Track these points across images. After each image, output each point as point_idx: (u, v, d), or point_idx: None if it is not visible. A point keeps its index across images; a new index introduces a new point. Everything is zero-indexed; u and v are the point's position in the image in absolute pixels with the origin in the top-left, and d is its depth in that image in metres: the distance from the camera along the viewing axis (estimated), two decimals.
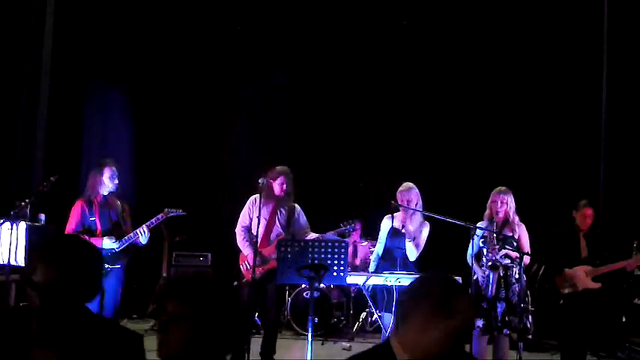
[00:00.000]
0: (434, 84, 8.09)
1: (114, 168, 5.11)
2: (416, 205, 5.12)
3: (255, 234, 5.08)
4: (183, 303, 1.63)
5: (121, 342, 1.94)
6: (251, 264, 5.03)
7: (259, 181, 5.09)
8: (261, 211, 5.07)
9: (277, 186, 5.19)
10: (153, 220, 5.10)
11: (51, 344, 1.84)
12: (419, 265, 5.17)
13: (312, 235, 5.21)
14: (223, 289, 1.72)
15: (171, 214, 5.22)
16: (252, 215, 5.22)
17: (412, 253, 5.09)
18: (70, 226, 4.98)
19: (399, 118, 8.20)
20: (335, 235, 5.15)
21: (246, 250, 5.20)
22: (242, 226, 5.28)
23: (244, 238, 5.24)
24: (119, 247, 5.00)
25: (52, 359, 1.84)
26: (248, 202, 5.33)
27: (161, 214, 5.15)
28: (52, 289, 1.83)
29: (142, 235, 5.04)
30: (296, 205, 5.32)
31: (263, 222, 5.13)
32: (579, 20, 7.42)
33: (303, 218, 5.33)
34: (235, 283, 5.30)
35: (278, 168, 5.27)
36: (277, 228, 5.21)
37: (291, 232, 5.23)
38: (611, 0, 7.07)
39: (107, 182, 5.06)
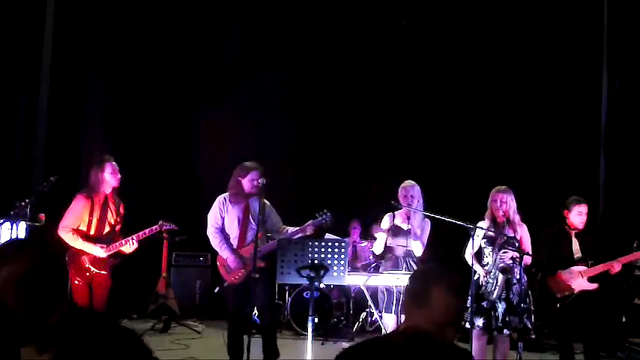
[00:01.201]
0: (434, 84, 8.10)
1: (114, 163, 5.05)
2: (417, 202, 5.13)
3: (231, 235, 5.01)
4: None
5: (117, 337, 1.93)
6: (232, 267, 4.93)
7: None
8: (233, 211, 4.98)
9: (248, 182, 4.95)
10: (146, 230, 5.05)
11: (35, 339, 1.85)
12: (422, 263, 5.18)
13: (289, 230, 5.03)
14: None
15: (165, 228, 5.23)
16: (223, 215, 5.04)
17: (417, 247, 5.11)
18: (67, 222, 4.93)
19: (399, 117, 8.20)
20: (312, 226, 4.91)
21: (225, 252, 4.97)
22: (215, 228, 5.04)
23: (220, 240, 5.00)
24: (106, 256, 4.98)
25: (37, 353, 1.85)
26: (217, 202, 5.10)
27: (155, 225, 5.12)
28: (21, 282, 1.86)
29: (130, 245, 5.00)
30: (266, 201, 5.08)
31: (237, 222, 4.99)
32: (579, 20, 7.42)
33: (275, 214, 5.15)
34: (217, 288, 5.10)
35: (247, 164, 5.04)
36: (252, 226, 4.98)
37: (265, 230, 5.04)
38: (611, 0, 7.08)
39: (109, 178, 5.00)
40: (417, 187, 5.18)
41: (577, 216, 4.98)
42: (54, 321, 1.86)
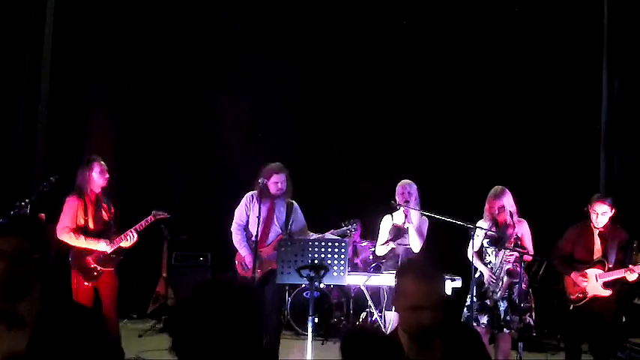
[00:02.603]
0: (434, 83, 8.09)
1: (102, 163, 5.05)
2: (415, 200, 5.14)
3: (253, 234, 4.94)
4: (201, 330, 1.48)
5: (82, 320, 2.00)
6: (249, 265, 4.91)
7: (259, 181, 4.97)
8: (259, 210, 4.95)
9: (272, 184, 4.95)
10: (142, 222, 5.04)
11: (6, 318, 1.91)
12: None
13: (313, 236, 5.01)
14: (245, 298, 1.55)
15: (159, 217, 5.16)
16: (249, 213, 5.03)
17: (416, 243, 5.10)
18: (65, 223, 4.93)
19: (400, 117, 8.19)
20: (335, 235, 4.99)
21: (243, 250, 4.99)
22: (239, 225, 5.05)
23: (242, 237, 5.01)
24: (110, 251, 4.97)
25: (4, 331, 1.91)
26: (244, 199, 5.10)
27: (149, 216, 5.09)
28: (20, 258, 1.93)
29: (130, 240, 4.98)
30: (294, 202, 5.11)
31: (261, 221, 4.96)
32: (579, 20, 7.42)
33: (301, 217, 5.14)
34: None
35: (272, 165, 5.04)
36: (275, 227, 5.00)
37: (290, 232, 5.03)
38: (611, 0, 7.08)
39: (97, 178, 5.00)
40: (415, 186, 5.20)
41: (594, 214, 4.75)
42: (23, 307, 1.92)
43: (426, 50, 8.06)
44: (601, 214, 4.73)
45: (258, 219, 4.83)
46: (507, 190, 4.83)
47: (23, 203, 4.99)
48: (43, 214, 5.88)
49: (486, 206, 4.87)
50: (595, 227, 4.79)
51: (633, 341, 6.02)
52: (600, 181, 7.06)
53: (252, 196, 5.08)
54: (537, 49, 7.68)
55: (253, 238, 4.99)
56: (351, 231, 5.00)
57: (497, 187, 4.87)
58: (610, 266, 4.70)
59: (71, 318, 1.99)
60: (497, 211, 4.76)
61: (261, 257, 4.91)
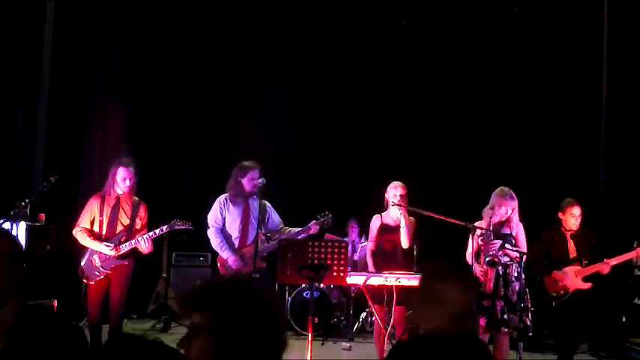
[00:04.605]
0: (434, 83, 8.09)
1: (130, 169, 4.95)
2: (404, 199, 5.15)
3: (233, 235, 5.02)
4: (210, 314, 1.52)
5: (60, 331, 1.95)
6: (234, 266, 4.93)
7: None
8: (234, 211, 5.00)
9: (248, 182, 4.97)
10: (156, 230, 4.97)
11: None
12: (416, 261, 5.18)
13: (291, 230, 5.08)
14: (253, 295, 1.58)
15: (177, 227, 5.05)
16: (224, 214, 5.05)
17: (405, 239, 5.09)
18: (79, 221, 4.98)
19: (399, 117, 8.19)
20: (314, 227, 4.97)
21: (225, 252, 4.97)
22: (215, 229, 5.05)
23: (221, 240, 5.00)
24: (115, 254, 4.90)
25: None
26: (217, 202, 5.10)
27: (166, 225, 5.00)
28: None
29: (143, 244, 4.90)
30: (265, 201, 5.11)
31: (238, 222, 5.01)
32: (579, 20, 7.42)
33: (275, 214, 5.17)
34: None
35: (246, 163, 5.05)
36: (254, 227, 4.97)
37: (266, 230, 5.07)
38: (611, 0, 7.08)
39: (119, 183, 4.95)
40: (404, 186, 5.22)
41: (571, 217, 5.07)
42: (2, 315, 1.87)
43: (426, 50, 8.06)
44: (577, 216, 5.06)
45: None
46: (516, 199, 4.90)
47: (23, 203, 4.99)
48: (43, 214, 5.91)
49: (494, 203, 4.84)
50: (567, 230, 5.11)
51: (633, 341, 6.02)
52: (600, 185, 7.05)
53: (225, 198, 5.10)
54: (538, 50, 7.68)
55: (233, 239, 5.04)
56: (327, 222, 5.01)
57: (505, 188, 4.88)
58: (586, 262, 5.02)
59: (49, 330, 1.91)
60: (506, 211, 4.79)
61: (245, 257, 4.92)
